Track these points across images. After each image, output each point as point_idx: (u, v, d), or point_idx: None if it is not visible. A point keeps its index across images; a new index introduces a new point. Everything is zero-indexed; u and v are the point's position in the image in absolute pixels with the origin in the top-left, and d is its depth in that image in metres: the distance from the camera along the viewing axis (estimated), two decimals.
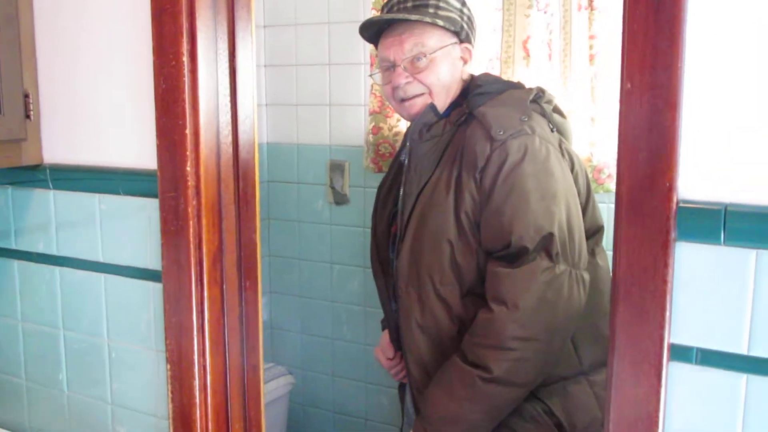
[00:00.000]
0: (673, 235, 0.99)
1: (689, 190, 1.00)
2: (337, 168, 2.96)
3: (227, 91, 1.44)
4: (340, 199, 2.97)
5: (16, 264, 1.69)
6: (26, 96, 1.56)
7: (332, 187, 2.98)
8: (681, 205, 0.99)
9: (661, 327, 1.01)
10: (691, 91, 0.98)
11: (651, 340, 1.01)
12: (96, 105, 1.52)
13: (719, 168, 0.98)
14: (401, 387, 2.18)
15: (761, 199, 0.96)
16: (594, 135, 2.35)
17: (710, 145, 0.98)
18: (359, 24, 1.96)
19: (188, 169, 1.38)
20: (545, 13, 2.39)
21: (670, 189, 0.98)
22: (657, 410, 1.02)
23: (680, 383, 1.03)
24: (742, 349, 0.99)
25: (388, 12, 1.95)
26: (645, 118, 0.98)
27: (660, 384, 1.02)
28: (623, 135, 1.01)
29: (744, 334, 0.98)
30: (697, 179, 0.99)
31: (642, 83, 0.98)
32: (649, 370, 1.02)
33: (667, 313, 1.00)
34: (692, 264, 1.00)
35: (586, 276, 1.75)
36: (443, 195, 1.78)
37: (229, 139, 1.45)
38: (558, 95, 2.34)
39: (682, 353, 1.02)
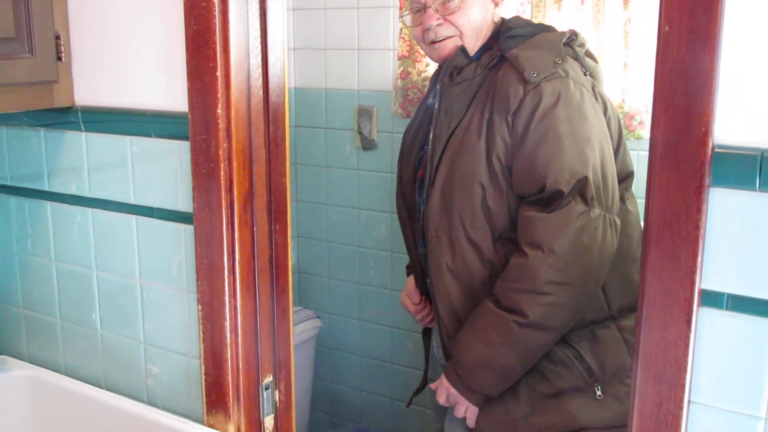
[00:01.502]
0: (707, 180, 0.98)
1: (725, 135, 0.98)
2: (365, 113, 2.95)
3: (258, 33, 1.43)
4: (367, 145, 2.97)
5: (49, 205, 1.72)
6: (57, 37, 1.56)
7: (360, 133, 2.97)
8: (716, 150, 0.98)
9: (692, 272, 1.00)
10: (730, 34, 0.96)
11: (681, 286, 1.01)
12: (127, 47, 1.52)
13: (757, 113, 0.97)
14: (425, 332, 2.20)
15: None
16: (626, 81, 2.32)
17: (748, 89, 0.97)
18: None
19: (219, 111, 1.38)
20: None
21: (705, 134, 0.97)
22: (686, 355, 1.02)
23: (710, 329, 1.03)
24: None
25: None
26: (682, 61, 0.97)
27: (689, 329, 1.02)
28: (660, 79, 0.99)
29: None
30: (733, 124, 0.98)
31: (680, 25, 0.96)
32: (678, 315, 1.02)
33: (699, 259, 1.00)
34: (726, 210, 0.99)
35: (618, 220, 1.75)
36: (474, 138, 1.77)
37: (260, 82, 1.45)
38: (590, 40, 2.31)
39: (712, 299, 1.02)
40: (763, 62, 0.95)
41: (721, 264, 1.01)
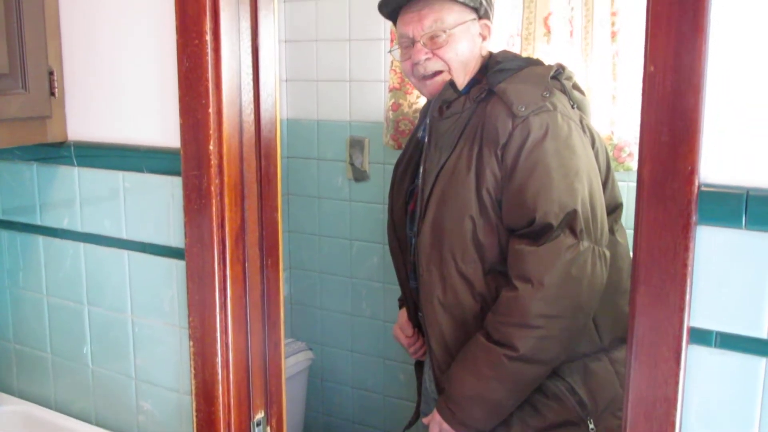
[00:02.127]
0: (694, 218, 0.99)
1: (711, 173, 0.99)
2: (356, 144, 2.96)
3: (249, 70, 1.44)
4: (359, 176, 2.98)
5: (41, 239, 1.72)
6: (51, 73, 1.57)
7: (352, 164, 2.98)
8: (703, 188, 0.99)
9: (681, 310, 1.01)
10: (714, 74, 0.97)
11: (670, 323, 1.02)
12: (120, 83, 1.54)
13: (741, 152, 0.98)
14: (418, 365, 2.19)
15: None
16: (615, 113, 2.34)
17: (733, 128, 0.98)
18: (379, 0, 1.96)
19: (211, 147, 1.39)
20: None
21: (692, 172, 0.98)
22: (676, 393, 1.03)
23: (699, 366, 1.03)
24: (761, 333, 0.99)
25: None
26: (668, 100, 0.98)
27: (679, 367, 1.02)
28: (646, 118, 1.01)
29: (764, 318, 0.99)
30: (719, 163, 0.99)
31: (665, 66, 0.97)
32: (668, 353, 1.03)
33: (687, 297, 1.01)
34: (713, 248, 1.00)
35: (608, 253, 1.76)
36: (464, 172, 1.78)
37: (252, 117, 1.46)
38: (579, 73, 2.33)
39: (701, 336, 1.02)
40: (747, 102, 0.97)
41: (709, 301, 1.02)
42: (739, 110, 0.98)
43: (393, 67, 2.73)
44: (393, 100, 2.73)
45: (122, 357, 1.64)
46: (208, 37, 1.36)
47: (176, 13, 1.38)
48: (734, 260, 0.99)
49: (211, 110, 1.38)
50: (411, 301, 2.07)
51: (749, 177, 0.98)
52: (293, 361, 2.90)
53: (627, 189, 2.26)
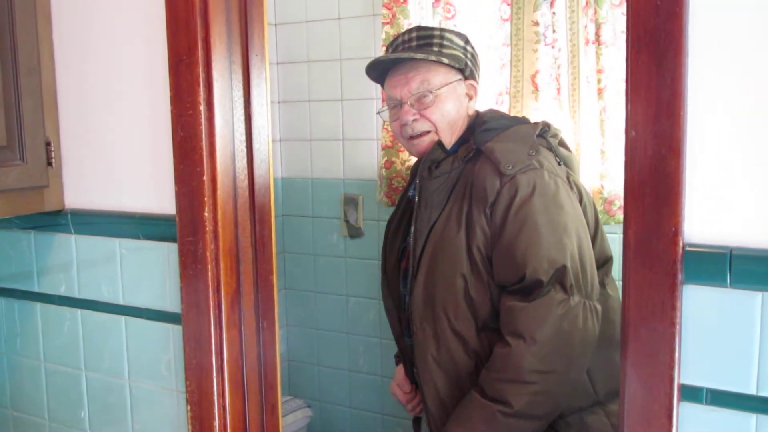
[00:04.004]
0: (680, 278, 1.01)
1: (695, 233, 1.02)
2: (350, 202, 2.99)
3: (243, 137, 1.48)
4: (354, 233, 3.01)
5: (38, 306, 1.73)
6: (48, 144, 1.60)
7: (346, 221, 3.01)
8: (687, 248, 1.02)
9: (671, 368, 1.03)
10: (693, 138, 1.01)
11: (661, 381, 1.03)
12: (116, 152, 1.57)
13: (724, 212, 1.01)
14: (416, 421, 2.19)
15: (766, 242, 0.98)
16: (604, 168, 2.38)
17: (714, 190, 1.01)
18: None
19: (206, 214, 1.42)
20: (553, 48, 2.42)
21: (676, 233, 1.01)
22: None
23: (691, 423, 1.04)
24: (751, 390, 1.00)
25: (393, 51, 2.00)
26: (649, 164, 1.01)
27: (671, 424, 1.04)
28: (629, 181, 1.04)
29: (753, 374, 1.00)
30: (702, 223, 1.02)
31: (646, 131, 1.01)
32: (660, 411, 1.04)
33: (676, 355, 1.02)
34: (700, 306, 1.02)
35: (599, 306, 1.77)
36: (454, 231, 1.81)
37: (246, 183, 1.49)
38: (567, 129, 2.37)
39: (692, 394, 1.04)
40: (727, 164, 1.00)
41: (698, 359, 1.03)
42: (720, 171, 1.01)
43: (385, 126, 2.77)
44: (386, 158, 2.77)
45: (120, 422, 1.64)
46: (202, 107, 1.39)
47: (170, 84, 1.41)
48: (721, 318, 1.01)
49: (205, 177, 1.41)
50: (407, 357, 2.07)
51: (732, 236, 1.01)
52: (291, 419, 2.89)
53: (618, 241, 2.28)
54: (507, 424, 1.70)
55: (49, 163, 1.60)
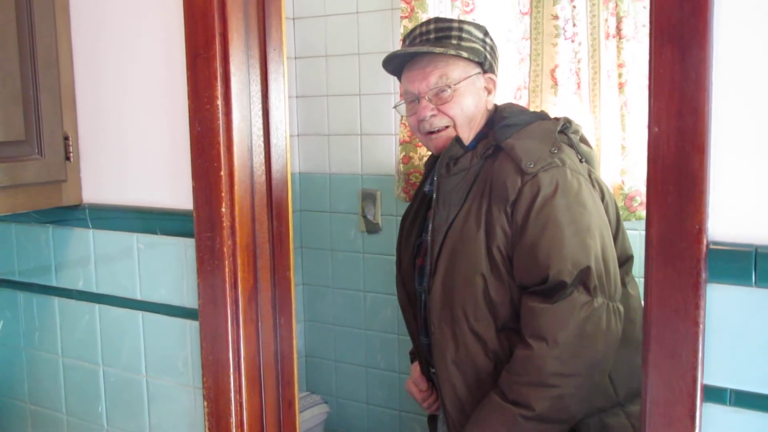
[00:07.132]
0: (703, 276, 1.00)
1: (719, 231, 1.00)
2: (368, 197, 2.98)
3: (260, 132, 1.47)
4: (372, 228, 2.99)
5: (56, 301, 1.73)
6: (66, 138, 1.60)
7: (364, 216, 3.00)
8: (711, 247, 1.00)
9: (694, 369, 1.01)
10: (718, 134, 0.98)
11: (684, 382, 1.01)
12: (134, 147, 1.56)
13: (749, 210, 0.99)
14: (431, 419, 2.17)
15: None
16: (625, 163, 2.35)
17: (739, 187, 0.99)
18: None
19: (223, 209, 1.41)
20: (573, 42, 2.40)
21: (699, 231, 0.99)
22: None
23: (715, 424, 1.03)
24: None
25: (410, 44, 1.97)
26: (673, 161, 0.99)
27: (694, 425, 1.02)
28: (652, 178, 1.02)
29: None
30: (726, 221, 1.00)
31: (669, 128, 0.99)
32: (682, 412, 1.02)
33: (700, 355, 1.01)
34: (724, 305, 1.00)
35: (622, 308, 1.74)
36: (474, 229, 1.78)
37: (263, 178, 1.48)
38: (587, 124, 2.35)
39: (715, 395, 1.02)
40: (752, 161, 0.98)
41: (722, 359, 1.01)
42: (745, 168, 0.98)
43: (403, 121, 2.76)
44: (404, 153, 2.75)
45: (137, 417, 1.64)
46: (219, 102, 1.39)
47: (188, 78, 1.41)
48: (745, 317, 0.99)
49: (222, 173, 1.40)
50: (424, 356, 2.05)
51: (758, 234, 0.98)
52: (309, 415, 2.89)
53: (639, 237, 2.26)
54: (528, 428, 1.67)
55: (67, 158, 1.61)
